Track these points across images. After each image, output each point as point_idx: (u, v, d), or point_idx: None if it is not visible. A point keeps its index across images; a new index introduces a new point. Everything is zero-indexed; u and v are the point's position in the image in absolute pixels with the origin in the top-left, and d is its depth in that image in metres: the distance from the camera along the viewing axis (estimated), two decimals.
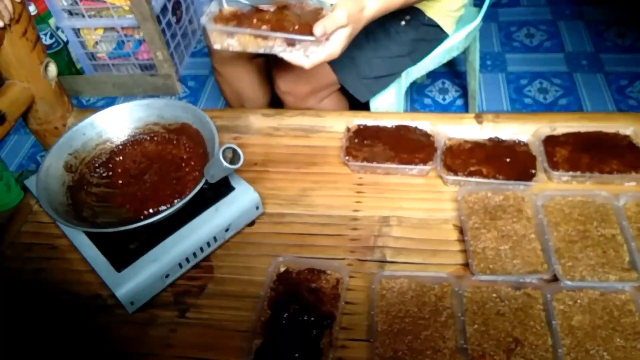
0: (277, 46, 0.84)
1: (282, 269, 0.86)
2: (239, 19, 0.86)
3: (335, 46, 0.83)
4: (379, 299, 0.80)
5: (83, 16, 1.90)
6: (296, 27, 0.83)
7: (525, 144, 0.99)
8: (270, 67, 1.25)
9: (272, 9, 0.86)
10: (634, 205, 0.88)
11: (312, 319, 0.78)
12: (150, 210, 0.87)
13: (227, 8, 0.87)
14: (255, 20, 0.84)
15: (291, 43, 0.83)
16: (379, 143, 1.02)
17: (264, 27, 0.83)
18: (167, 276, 0.85)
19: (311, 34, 0.80)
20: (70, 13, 1.93)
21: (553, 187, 0.94)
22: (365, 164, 1.00)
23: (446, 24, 1.19)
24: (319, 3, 0.87)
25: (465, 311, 0.78)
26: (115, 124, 0.98)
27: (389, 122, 1.06)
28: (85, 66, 2.06)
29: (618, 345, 0.72)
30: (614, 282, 0.78)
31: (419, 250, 0.88)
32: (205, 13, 0.86)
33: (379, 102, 1.27)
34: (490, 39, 2.07)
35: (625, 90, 1.79)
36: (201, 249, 0.88)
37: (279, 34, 0.82)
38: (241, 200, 0.91)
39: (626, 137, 0.97)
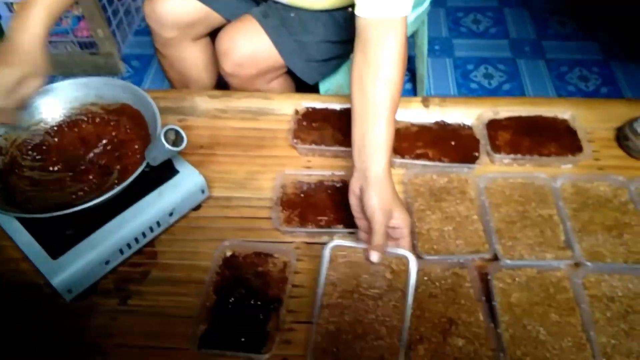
0: None
1: (229, 254, 0.84)
2: None
3: (405, 242, 0.78)
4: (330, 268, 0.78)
5: None
6: None
7: (470, 128, 1.01)
8: (214, 47, 1.21)
9: None
10: (570, 187, 0.91)
11: (259, 303, 0.78)
12: (88, 195, 0.84)
13: None
14: None
15: None
16: (328, 126, 1.02)
17: None
18: (107, 263, 0.82)
19: None
20: None
21: (495, 169, 0.96)
22: (313, 147, 0.99)
23: None
24: None
25: None
26: (48, 103, 0.93)
27: (337, 105, 1.05)
28: None
29: (553, 320, 0.75)
30: (551, 260, 0.82)
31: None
32: None
33: (328, 85, 1.27)
34: (438, 24, 2.09)
35: (565, 77, 1.86)
36: (143, 234, 0.85)
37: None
38: (186, 184, 0.88)
39: (564, 121, 1.01)
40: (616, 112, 1.04)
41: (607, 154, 0.99)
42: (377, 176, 0.75)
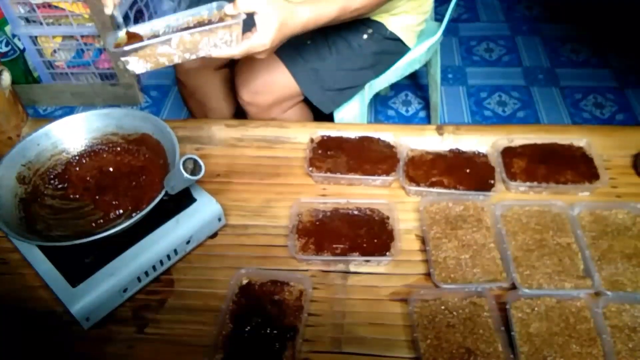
0: (202, 50, 0.84)
1: (245, 282, 0.85)
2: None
3: (263, 35, 0.83)
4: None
5: (41, 24, 1.85)
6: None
7: (485, 155, 1.01)
8: (234, 77, 1.24)
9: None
10: (588, 215, 0.91)
11: (275, 331, 0.77)
12: (107, 223, 0.85)
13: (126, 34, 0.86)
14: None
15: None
16: (343, 154, 1.03)
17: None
18: (125, 290, 0.82)
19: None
20: (28, 20, 1.87)
21: (511, 197, 0.96)
22: (328, 175, 1.00)
23: (408, 38, 1.21)
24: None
25: (417, 326, 0.78)
26: (71, 134, 0.95)
27: (352, 134, 1.06)
28: (42, 75, 2.00)
29: (574, 351, 0.74)
30: (570, 289, 0.81)
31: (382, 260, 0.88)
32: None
33: (342, 114, 1.28)
34: (451, 53, 2.12)
35: (580, 104, 1.86)
36: (161, 262, 0.86)
37: (200, 29, 0.81)
38: (203, 212, 0.90)
39: (580, 148, 1.01)
40: (632, 139, 1.03)
41: (625, 181, 0.98)
42: (303, 16, 0.87)
